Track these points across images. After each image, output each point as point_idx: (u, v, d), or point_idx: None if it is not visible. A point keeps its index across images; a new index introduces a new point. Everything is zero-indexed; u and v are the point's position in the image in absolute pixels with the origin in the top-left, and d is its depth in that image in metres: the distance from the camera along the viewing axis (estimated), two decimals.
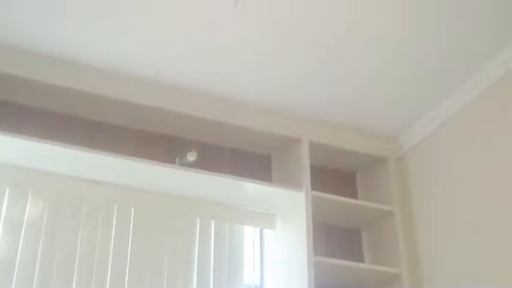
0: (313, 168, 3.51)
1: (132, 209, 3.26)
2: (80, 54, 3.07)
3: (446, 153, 3.39)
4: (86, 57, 3.09)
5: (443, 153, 3.41)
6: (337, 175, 3.86)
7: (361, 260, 3.63)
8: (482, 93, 3.20)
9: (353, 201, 3.51)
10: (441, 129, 3.46)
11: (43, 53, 3.05)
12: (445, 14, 2.83)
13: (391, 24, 2.90)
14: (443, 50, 3.05)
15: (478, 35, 2.95)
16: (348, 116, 3.57)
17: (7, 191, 3.05)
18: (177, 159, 3.31)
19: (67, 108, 3.27)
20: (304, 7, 2.79)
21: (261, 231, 3.61)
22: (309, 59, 3.13)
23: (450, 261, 3.21)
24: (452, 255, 3.20)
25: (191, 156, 3.27)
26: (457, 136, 3.33)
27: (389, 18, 2.86)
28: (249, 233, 3.57)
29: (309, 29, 2.93)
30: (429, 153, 3.53)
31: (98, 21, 2.86)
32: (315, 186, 3.42)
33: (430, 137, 3.54)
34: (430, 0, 2.76)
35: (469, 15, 2.83)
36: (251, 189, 3.37)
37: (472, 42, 3.00)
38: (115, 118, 3.36)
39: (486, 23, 2.88)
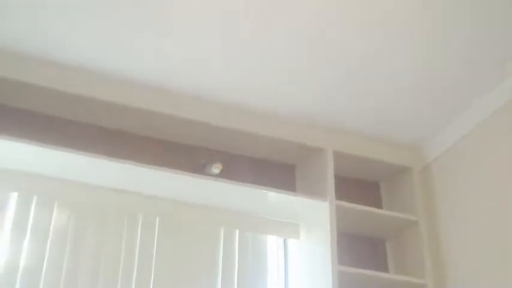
0: (337, 178, 3.50)
1: (157, 218, 3.28)
2: (103, 65, 3.11)
3: (471, 163, 3.36)
4: (111, 67, 3.12)
5: (468, 163, 3.39)
6: (362, 185, 3.85)
7: (386, 270, 3.61)
8: (508, 101, 3.18)
9: (377, 210, 3.50)
10: (467, 139, 3.43)
11: (67, 64, 3.09)
12: (470, 23, 2.82)
13: (416, 34, 2.89)
14: (469, 58, 3.04)
15: (504, 43, 2.93)
16: (372, 125, 3.56)
17: (34, 200, 3.08)
18: (203, 166, 3.31)
19: (92, 118, 3.30)
20: (328, 20, 2.80)
21: (284, 240, 3.60)
22: (333, 69, 3.13)
23: (476, 272, 3.17)
24: (478, 265, 3.17)
25: (216, 169, 3.29)
26: (483, 146, 3.30)
27: (414, 29, 2.86)
28: (273, 243, 3.57)
29: (332, 39, 2.93)
30: (454, 163, 3.50)
31: (122, 31, 2.90)
32: (339, 195, 3.40)
33: (455, 147, 3.51)
34: (457, 11, 2.75)
35: (493, 24, 2.82)
36: (275, 198, 3.37)
37: (498, 50, 2.98)
38: (139, 128, 3.38)
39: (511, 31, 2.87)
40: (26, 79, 3.04)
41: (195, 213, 3.36)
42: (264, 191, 3.31)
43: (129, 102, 3.21)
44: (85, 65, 3.11)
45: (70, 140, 3.20)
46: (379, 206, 3.78)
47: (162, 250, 3.21)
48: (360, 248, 3.62)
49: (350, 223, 3.50)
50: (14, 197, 3.07)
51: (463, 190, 3.38)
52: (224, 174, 3.34)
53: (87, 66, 3.11)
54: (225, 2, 2.72)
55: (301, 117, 3.49)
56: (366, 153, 3.64)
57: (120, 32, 2.90)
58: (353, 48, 2.98)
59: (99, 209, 3.19)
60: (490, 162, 3.23)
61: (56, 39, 2.94)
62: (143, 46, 2.98)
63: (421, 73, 3.15)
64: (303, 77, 3.19)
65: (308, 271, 3.35)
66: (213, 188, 3.26)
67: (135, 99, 3.23)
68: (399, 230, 3.61)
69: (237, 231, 3.43)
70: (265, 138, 3.46)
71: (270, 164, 3.67)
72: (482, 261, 3.15)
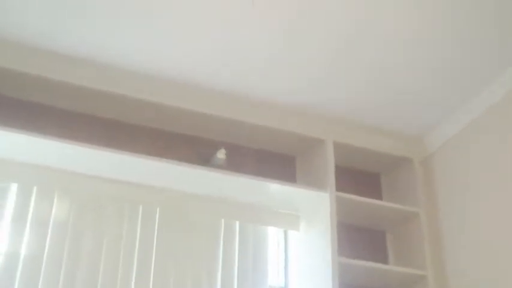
0: (338, 169, 3.49)
1: (157, 209, 3.28)
2: (104, 55, 3.10)
3: (472, 155, 3.36)
4: (110, 58, 3.11)
5: (469, 154, 3.38)
6: (362, 176, 3.84)
7: (386, 262, 3.61)
8: (509, 92, 3.17)
9: (378, 202, 3.50)
10: (467, 130, 3.43)
11: (65, 53, 3.08)
12: (472, 13, 2.81)
13: (416, 17, 2.87)
14: (471, 48, 3.02)
15: (508, 32, 2.92)
16: (373, 116, 3.55)
17: (34, 191, 3.08)
18: (205, 157, 3.31)
19: (91, 108, 3.29)
20: (325, 6, 2.79)
21: (285, 232, 3.61)
22: (333, 60, 3.12)
23: (476, 264, 3.18)
24: (479, 257, 3.17)
25: (221, 154, 3.28)
26: (484, 137, 3.30)
27: (414, 19, 2.85)
28: (273, 234, 3.57)
29: (331, 30, 2.92)
30: (455, 154, 3.50)
31: (117, 20, 2.88)
32: (339, 187, 3.40)
33: (456, 138, 3.51)
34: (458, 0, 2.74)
35: (495, 15, 2.81)
36: (275, 190, 3.37)
37: (500, 39, 2.96)
38: (141, 119, 3.38)
39: None
40: (25, 69, 3.04)
41: (196, 204, 3.36)
42: (265, 182, 3.32)
43: (131, 93, 3.21)
44: (85, 56, 3.10)
45: (71, 130, 3.21)
46: (380, 197, 3.78)
47: (162, 241, 3.21)
48: (360, 239, 3.62)
49: (350, 214, 3.50)
50: (14, 187, 3.07)
51: (464, 181, 3.38)
52: (225, 166, 3.34)
53: (88, 56, 3.10)
54: None
55: (301, 108, 3.48)
56: (366, 144, 3.64)
57: (119, 22, 2.89)
58: (350, 37, 2.97)
59: (99, 199, 3.19)
60: (491, 153, 3.22)
61: (56, 29, 2.93)
62: (142, 36, 2.98)
63: (422, 63, 3.13)
64: (303, 68, 3.18)
65: (308, 262, 3.35)
66: (214, 179, 3.25)
67: (136, 90, 3.22)
68: (400, 221, 3.60)
69: (237, 223, 3.43)
70: (265, 129, 3.46)
71: (271, 155, 3.66)
72: (482, 253, 3.15)
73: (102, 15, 2.86)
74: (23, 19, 2.88)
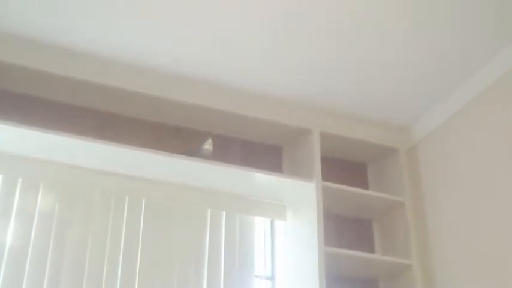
0: (324, 159, 3.50)
1: (143, 200, 3.27)
2: (93, 46, 3.07)
3: (458, 144, 3.37)
4: (99, 49, 3.09)
5: (455, 143, 3.40)
6: (348, 166, 3.85)
7: (372, 251, 3.63)
8: (494, 83, 3.18)
9: (364, 191, 3.51)
10: (453, 119, 3.44)
11: (56, 44, 3.06)
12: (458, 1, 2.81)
13: (402, 10, 2.87)
14: (456, 39, 3.03)
15: (493, 21, 2.92)
16: (359, 106, 3.56)
17: (19, 182, 3.06)
18: (197, 151, 3.30)
19: (79, 99, 3.27)
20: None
21: (271, 222, 3.61)
22: (319, 50, 3.12)
23: (461, 252, 3.20)
24: (464, 246, 3.19)
25: (207, 145, 3.28)
26: (469, 127, 3.31)
27: (401, 6, 2.84)
28: (260, 224, 3.57)
29: (318, 19, 2.91)
30: (441, 143, 3.51)
31: (111, 12, 2.86)
32: (325, 177, 3.41)
33: (441, 128, 3.52)
34: None
35: (482, 3, 2.81)
36: (262, 180, 3.37)
37: (486, 30, 2.97)
38: (126, 109, 3.36)
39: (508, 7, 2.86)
40: (10, 60, 3.01)
41: (182, 195, 3.35)
42: (251, 173, 3.31)
43: (117, 83, 3.19)
44: (73, 46, 3.08)
45: (55, 121, 3.19)
46: (366, 187, 3.80)
47: (148, 232, 3.20)
48: (346, 228, 3.63)
49: (336, 204, 3.51)
50: None
51: (449, 170, 3.40)
52: (212, 156, 3.34)
53: (75, 47, 3.08)
54: None
55: (287, 98, 3.48)
56: (353, 134, 3.64)
57: (117, 17, 2.88)
58: (336, 26, 2.96)
59: (85, 190, 3.18)
60: (477, 143, 3.24)
61: (46, 21, 2.91)
62: (132, 26, 2.96)
63: (407, 53, 3.14)
64: (289, 58, 3.17)
65: (295, 252, 3.36)
66: (200, 170, 3.25)
67: (123, 81, 3.21)
68: (386, 210, 3.62)
69: (223, 213, 3.43)
70: (252, 119, 3.45)
71: (257, 146, 3.66)
72: (468, 242, 3.17)
73: (100, 9, 2.84)
74: (22, 12, 2.85)
